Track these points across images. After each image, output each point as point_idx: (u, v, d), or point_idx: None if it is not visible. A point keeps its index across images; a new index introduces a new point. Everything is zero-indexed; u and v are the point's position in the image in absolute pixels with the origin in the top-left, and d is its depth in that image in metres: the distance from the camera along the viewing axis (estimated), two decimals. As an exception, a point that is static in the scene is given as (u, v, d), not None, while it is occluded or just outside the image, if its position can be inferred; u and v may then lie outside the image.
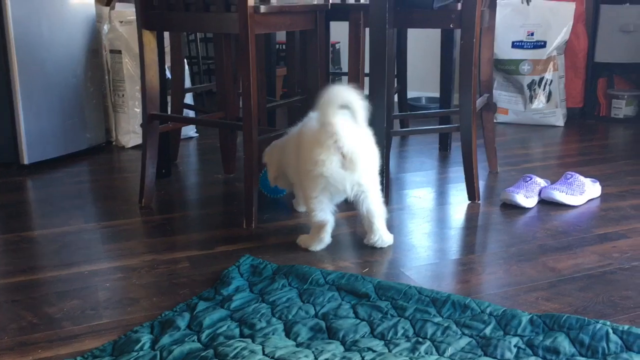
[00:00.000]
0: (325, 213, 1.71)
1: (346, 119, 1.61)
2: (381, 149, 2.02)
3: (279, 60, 3.74)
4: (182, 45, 2.58)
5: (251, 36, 1.82)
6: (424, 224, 1.97)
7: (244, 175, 1.92)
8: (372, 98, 2.13)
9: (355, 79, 2.23)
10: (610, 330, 1.24)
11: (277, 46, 3.65)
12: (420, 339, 1.25)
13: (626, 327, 1.26)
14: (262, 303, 1.41)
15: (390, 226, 1.94)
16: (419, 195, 2.26)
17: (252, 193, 1.92)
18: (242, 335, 1.27)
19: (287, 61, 2.79)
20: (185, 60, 2.90)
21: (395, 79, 3.03)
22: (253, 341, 1.23)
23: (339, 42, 4.10)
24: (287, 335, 1.27)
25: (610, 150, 2.89)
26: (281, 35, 3.48)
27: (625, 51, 3.41)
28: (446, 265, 1.66)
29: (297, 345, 1.22)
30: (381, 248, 1.76)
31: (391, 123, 2.38)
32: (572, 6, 3.34)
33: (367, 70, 2.20)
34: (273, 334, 1.26)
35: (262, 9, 1.84)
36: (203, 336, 1.26)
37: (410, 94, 3.67)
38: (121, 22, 2.91)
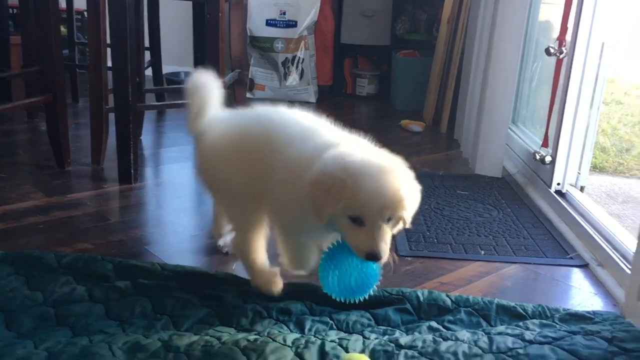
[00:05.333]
0: None
1: None
2: (126, 124, 1.94)
3: (16, 27, 3.34)
4: None
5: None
6: (174, 200, 1.94)
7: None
8: (115, 70, 2.02)
9: (96, 49, 2.09)
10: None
11: (11, 10, 3.26)
12: (159, 316, 1.23)
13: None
14: (-20, 296, 1.26)
15: (142, 203, 1.88)
16: (172, 171, 2.22)
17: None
18: (-49, 334, 1.12)
19: (22, 28, 2.51)
20: None
21: (148, 52, 2.92)
22: (-36, 339, 1.09)
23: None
24: (9, 327, 1.16)
25: (355, 125, 3.13)
26: (15, -1, 3.11)
27: (366, 34, 3.73)
28: (191, 240, 1.66)
29: (19, 337, 1.12)
30: (128, 228, 1.69)
31: (142, 97, 2.30)
32: (319, -12, 3.54)
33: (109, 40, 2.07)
34: (-10, 329, 1.14)
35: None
36: None
37: (169, 68, 3.58)
38: None
